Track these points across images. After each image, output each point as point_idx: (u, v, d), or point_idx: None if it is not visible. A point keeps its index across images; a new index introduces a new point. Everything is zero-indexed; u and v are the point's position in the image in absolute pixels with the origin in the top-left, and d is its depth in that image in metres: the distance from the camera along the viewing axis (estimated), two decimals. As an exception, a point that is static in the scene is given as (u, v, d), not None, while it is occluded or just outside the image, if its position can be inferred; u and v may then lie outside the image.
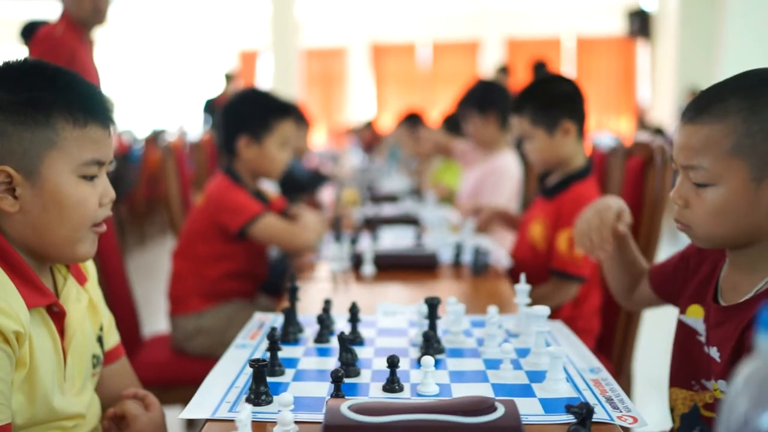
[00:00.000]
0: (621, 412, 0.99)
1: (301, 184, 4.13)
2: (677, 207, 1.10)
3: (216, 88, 8.25)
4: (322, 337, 1.32)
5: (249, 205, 2.14)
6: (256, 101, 2.28)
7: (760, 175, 0.99)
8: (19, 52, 2.37)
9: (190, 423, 2.41)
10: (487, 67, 11.71)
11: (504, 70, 7.16)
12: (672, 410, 1.20)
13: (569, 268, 1.91)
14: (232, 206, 2.13)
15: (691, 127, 1.05)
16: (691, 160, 1.04)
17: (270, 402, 1.02)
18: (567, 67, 12.38)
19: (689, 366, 1.16)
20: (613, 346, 2.04)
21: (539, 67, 6.96)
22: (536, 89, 2.08)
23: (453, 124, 3.95)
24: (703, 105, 1.04)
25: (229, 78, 8.14)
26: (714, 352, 1.07)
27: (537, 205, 2.14)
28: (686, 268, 1.24)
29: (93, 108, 1.04)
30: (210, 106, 7.78)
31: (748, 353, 1.00)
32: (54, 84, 1.03)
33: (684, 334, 1.18)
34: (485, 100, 2.96)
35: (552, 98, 2.02)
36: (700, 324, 1.14)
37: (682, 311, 1.20)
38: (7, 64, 1.05)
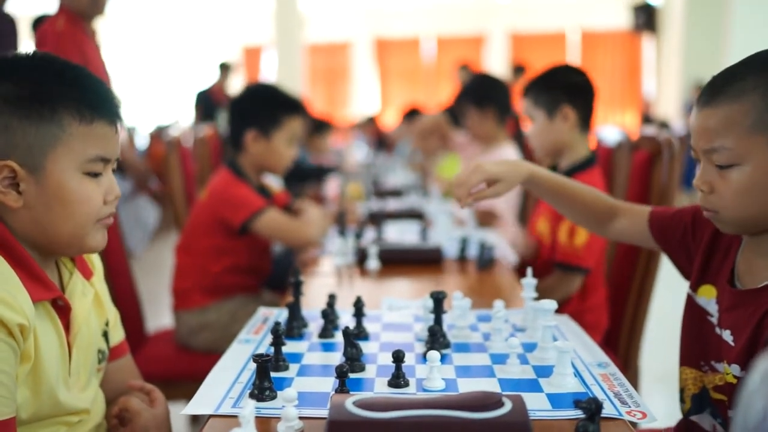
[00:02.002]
0: (630, 407, 0.98)
1: (306, 172, 4.13)
2: (702, 194, 1.08)
3: (210, 79, 7.58)
4: (326, 331, 1.31)
5: (252, 199, 2.13)
6: (266, 96, 2.28)
7: None
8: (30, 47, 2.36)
9: (194, 418, 2.41)
10: (491, 62, 11.68)
11: (521, 69, 7.11)
12: (682, 391, 1.19)
13: (572, 259, 1.92)
14: (234, 201, 2.13)
15: (709, 110, 1.04)
16: (712, 143, 1.03)
17: (274, 397, 1.01)
18: (572, 62, 12.33)
19: (699, 346, 1.15)
20: (619, 340, 2.03)
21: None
22: (545, 74, 2.12)
23: (452, 116, 3.93)
24: (718, 87, 1.04)
25: (224, 68, 7.41)
26: (727, 335, 1.06)
27: (543, 203, 2.14)
28: (691, 234, 1.22)
29: (100, 104, 1.03)
30: (202, 98, 7.19)
31: (767, 339, 0.99)
32: (62, 79, 1.01)
33: (694, 312, 1.17)
34: (483, 95, 2.95)
35: (557, 83, 2.06)
36: (712, 305, 1.13)
37: (693, 288, 1.18)
38: (16, 57, 1.03)
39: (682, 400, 1.20)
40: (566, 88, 2.04)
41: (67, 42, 2.19)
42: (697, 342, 1.15)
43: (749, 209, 1.03)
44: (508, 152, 2.97)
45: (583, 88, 2.06)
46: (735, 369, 1.04)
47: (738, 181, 1.02)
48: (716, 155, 1.03)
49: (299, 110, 2.30)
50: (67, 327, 1.05)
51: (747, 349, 1.01)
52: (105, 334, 1.18)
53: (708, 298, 1.14)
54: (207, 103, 7.07)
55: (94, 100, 1.02)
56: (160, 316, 3.52)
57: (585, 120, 2.05)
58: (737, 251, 1.12)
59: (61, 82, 1.00)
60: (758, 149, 0.99)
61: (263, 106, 2.23)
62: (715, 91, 1.03)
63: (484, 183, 1.38)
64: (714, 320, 1.12)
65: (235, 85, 7.42)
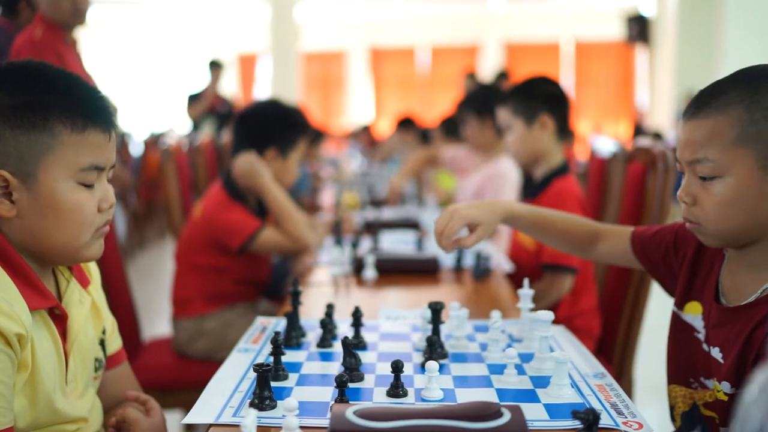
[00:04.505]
0: (626, 417, 0.99)
1: None
2: (685, 205, 1.09)
3: (201, 81, 6.69)
4: (325, 341, 1.32)
5: (246, 223, 2.14)
6: (285, 116, 2.31)
7: (766, 162, 1.00)
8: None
9: (190, 427, 2.40)
10: (485, 71, 11.73)
11: (504, 75, 7.10)
12: (672, 408, 1.19)
13: (560, 259, 1.95)
14: (229, 227, 2.14)
15: (694, 122, 1.06)
16: (696, 154, 1.05)
17: (274, 407, 1.02)
18: (566, 72, 12.40)
19: (687, 363, 1.15)
20: (614, 350, 2.04)
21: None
22: (522, 84, 2.21)
23: (451, 127, 3.94)
24: (703, 100, 1.06)
25: (215, 66, 6.50)
26: (716, 353, 1.07)
27: None
28: (674, 252, 1.23)
29: (93, 112, 1.03)
30: (194, 100, 6.44)
31: (756, 355, 1.00)
32: (53, 87, 1.01)
33: (681, 330, 1.18)
34: (485, 105, 2.97)
35: (535, 92, 2.15)
36: (698, 321, 1.14)
37: (679, 306, 1.19)
38: (9, 66, 1.04)
39: (672, 419, 1.20)
40: (544, 98, 2.13)
41: (46, 50, 2.16)
42: (685, 359, 1.16)
43: (731, 221, 1.04)
44: (504, 164, 2.99)
45: (559, 98, 2.16)
46: (725, 386, 1.04)
47: (720, 193, 1.03)
48: (700, 166, 1.05)
49: (309, 130, 2.37)
50: (63, 335, 1.06)
51: (737, 365, 1.02)
52: (102, 343, 1.18)
53: (694, 314, 1.15)
54: (196, 104, 6.42)
55: (86, 108, 1.02)
56: (155, 324, 3.52)
57: (561, 129, 2.13)
58: (721, 267, 1.13)
59: (53, 91, 1.01)
60: (741, 162, 1.01)
61: (284, 127, 2.27)
62: (701, 103, 1.05)
63: (465, 228, 1.39)
64: (701, 336, 1.12)
65: (226, 88, 6.89)
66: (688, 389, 1.15)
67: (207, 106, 6.40)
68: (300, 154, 2.32)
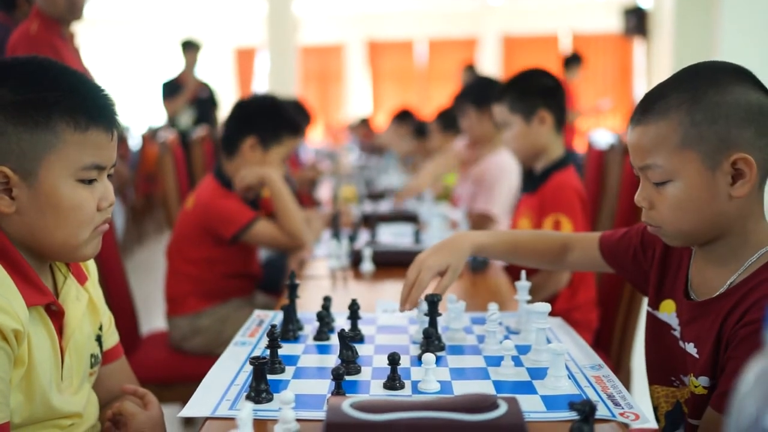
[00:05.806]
0: (623, 408, 0.99)
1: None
2: (644, 210, 1.10)
3: (175, 66, 5.92)
4: (321, 334, 1.32)
5: (241, 212, 2.13)
6: (274, 110, 2.28)
7: (712, 163, 1.00)
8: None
9: (188, 421, 2.41)
10: (485, 64, 11.72)
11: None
12: (656, 409, 1.20)
13: None
14: (224, 215, 2.12)
15: (640, 128, 1.07)
16: (645, 160, 1.06)
17: (270, 400, 1.02)
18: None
19: (667, 362, 1.16)
20: (611, 342, 2.04)
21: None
22: (517, 79, 2.17)
23: (448, 120, 3.92)
24: (647, 105, 1.06)
25: (189, 47, 5.76)
26: (691, 348, 1.08)
27: (522, 203, 2.21)
28: (642, 252, 1.24)
29: (96, 112, 1.02)
30: (169, 90, 5.70)
31: (726, 344, 1.00)
32: (57, 85, 1.01)
33: (658, 329, 1.18)
34: (483, 97, 2.96)
35: (531, 87, 2.12)
36: (673, 319, 1.14)
37: (653, 305, 1.19)
38: (14, 62, 1.03)
39: (657, 419, 1.20)
40: (541, 92, 2.10)
41: (42, 45, 2.15)
42: (665, 358, 1.16)
43: (688, 223, 1.05)
44: (505, 156, 2.98)
45: (555, 90, 2.13)
46: (704, 380, 1.04)
47: (673, 197, 1.04)
48: (650, 172, 1.06)
49: (302, 133, 2.34)
50: (60, 331, 1.05)
51: (712, 358, 1.03)
52: (98, 339, 1.18)
53: (669, 313, 1.16)
54: (176, 95, 5.71)
55: (89, 107, 1.02)
56: (153, 318, 3.51)
57: (559, 121, 2.11)
58: (689, 263, 1.14)
59: (57, 89, 1.00)
60: (688, 165, 1.01)
61: (269, 118, 2.23)
62: (645, 109, 1.06)
63: (437, 276, 1.36)
64: (677, 334, 1.13)
65: (201, 72, 6.02)
66: (670, 388, 1.15)
67: (190, 96, 5.71)
68: (286, 151, 2.27)
